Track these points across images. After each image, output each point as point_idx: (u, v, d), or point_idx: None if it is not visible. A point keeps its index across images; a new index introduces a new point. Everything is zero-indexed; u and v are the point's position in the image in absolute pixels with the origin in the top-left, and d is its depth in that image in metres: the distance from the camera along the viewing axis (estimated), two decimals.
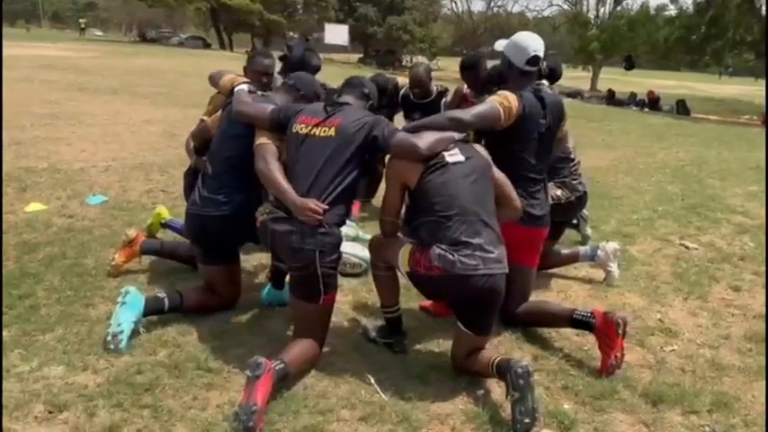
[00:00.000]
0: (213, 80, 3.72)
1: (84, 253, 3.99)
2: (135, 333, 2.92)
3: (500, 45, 3.17)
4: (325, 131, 2.78)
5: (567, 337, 3.23)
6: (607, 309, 3.57)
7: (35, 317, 3.11)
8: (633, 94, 21.99)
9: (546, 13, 57.86)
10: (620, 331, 2.83)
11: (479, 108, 2.90)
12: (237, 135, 3.06)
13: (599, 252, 4.02)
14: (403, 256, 2.71)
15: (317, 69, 4.27)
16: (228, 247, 3.21)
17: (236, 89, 3.29)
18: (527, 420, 2.39)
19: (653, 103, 20.18)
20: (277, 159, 2.84)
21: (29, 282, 3.51)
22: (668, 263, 4.54)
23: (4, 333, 2.93)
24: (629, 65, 27.87)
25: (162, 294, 3.11)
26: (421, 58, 48.20)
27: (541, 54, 3.07)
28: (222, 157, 3.10)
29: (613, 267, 4.01)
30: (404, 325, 3.08)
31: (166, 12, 57.72)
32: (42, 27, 79.36)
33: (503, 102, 2.91)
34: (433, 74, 5.00)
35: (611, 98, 22.24)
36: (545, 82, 4.31)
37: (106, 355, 2.78)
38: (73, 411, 2.39)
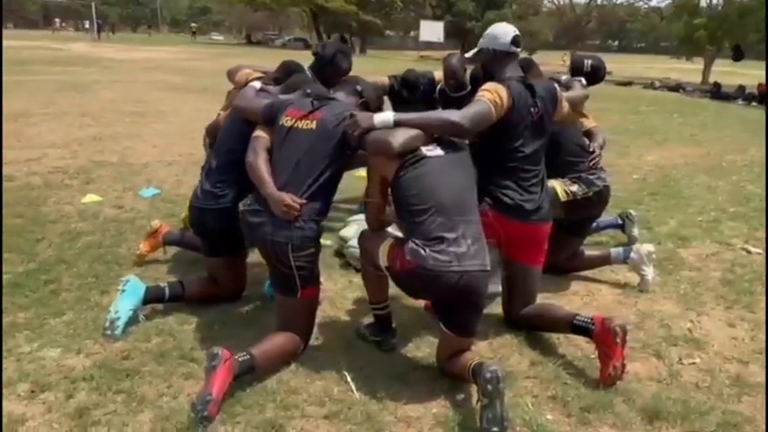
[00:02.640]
0: (230, 75, 3.80)
1: (119, 242, 4.19)
2: (134, 320, 3.03)
3: (478, 46, 3.09)
4: (307, 125, 2.76)
5: (575, 344, 3.03)
6: (636, 315, 3.37)
7: (53, 301, 3.29)
8: (741, 87, 20.36)
9: (653, 3, 54.75)
10: (618, 340, 2.62)
11: (473, 110, 2.76)
12: (240, 130, 3.09)
13: (632, 254, 3.75)
14: (383, 251, 2.64)
15: (345, 72, 4.25)
16: (231, 239, 3.25)
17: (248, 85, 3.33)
18: (495, 429, 2.26)
19: (763, 96, 18.58)
20: (267, 153, 2.85)
21: (60, 268, 3.73)
22: (720, 268, 4.17)
23: (21, 315, 3.12)
24: (738, 55, 25.84)
25: (163, 284, 3.21)
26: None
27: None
28: (224, 150, 3.15)
29: (647, 271, 3.73)
30: (398, 323, 3.01)
31: (272, 15, 59.85)
32: (161, 32, 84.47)
33: (492, 97, 2.78)
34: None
35: (716, 92, 20.70)
36: (582, 80, 4.11)
37: (102, 341, 2.90)
38: (54, 392, 2.51)
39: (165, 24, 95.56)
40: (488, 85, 2.87)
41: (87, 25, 47.33)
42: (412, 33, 44.26)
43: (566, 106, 3.20)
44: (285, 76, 3.60)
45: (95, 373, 2.63)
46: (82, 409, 2.39)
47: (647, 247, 3.74)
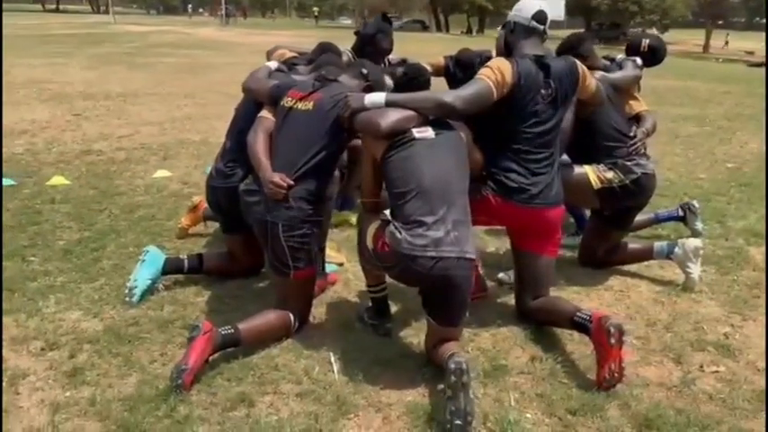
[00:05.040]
0: (268, 56, 3.88)
1: (171, 216, 4.42)
2: (153, 289, 3.19)
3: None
4: (305, 106, 2.77)
5: (586, 341, 2.82)
6: (669, 315, 3.14)
7: (91, 268, 3.54)
8: None
9: None
10: (614, 341, 2.42)
11: (469, 90, 2.65)
12: (251, 111, 3.13)
13: (676, 249, 3.45)
14: (370, 233, 2.61)
15: (386, 51, 4.21)
16: (243, 217, 3.32)
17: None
18: (458, 422, 2.17)
19: None
20: (269, 133, 2.88)
21: (109, 237, 3.99)
22: None
23: (60, 279, 3.38)
24: None
25: (183, 256, 3.36)
26: (651, 31, 44.34)
27: (548, 12, 2.76)
28: (236, 131, 3.22)
29: (693, 269, 3.41)
30: (400, 308, 2.98)
31: None
32: (290, 17, 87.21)
33: (493, 74, 2.65)
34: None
35: None
36: (638, 60, 3.80)
37: (119, 307, 3.08)
38: (60, 351, 2.70)
39: (293, 9, 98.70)
40: (492, 62, 2.74)
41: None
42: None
43: (591, 85, 2.98)
44: (318, 57, 3.61)
45: (101, 337, 2.80)
46: (77, 369, 2.56)
47: (694, 242, 3.42)
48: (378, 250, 2.51)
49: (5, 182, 5.03)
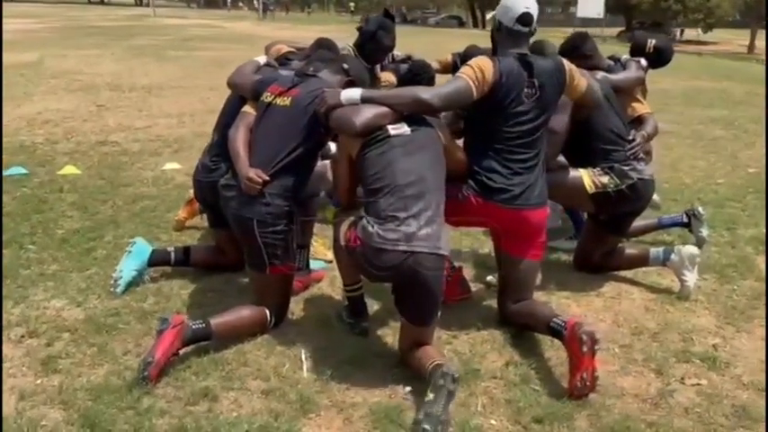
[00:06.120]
0: (266, 51, 3.86)
1: (172, 208, 4.45)
2: (139, 280, 3.22)
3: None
4: (283, 101, 2.76)
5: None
6: (658, 325, 3.06)
7: (85, 257, 3.59)
8: None
9: None
10: (586, 348, 2.36)
11: (447, 88, 2.61)
12: (237, 106, 3.13)
13: (672, 256, 3.34)
14: (343, 230, 2.59)
15: (388, 48, 4.16)
16: None
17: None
18: (427, 427, 2.10)
19: None
20: (250, 129, 2.88)
21: (108, 228, 4.05)
22: None
23: (53, 267, 3.45)
24: None
25: (170, 248, 3.38)
26: (688, 32, 43.26)
27: (534, 13, 2.69)
28: (222, 125, 3.22)
29: (689, 277, 3.30)
30: (380, 308, 2.95)
31: None
32: (328, 12, 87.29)
33: (473, 73, 2.61)
34: None
35: None
36: (643, 61, 3.71)
37: (104, 297, 3.12)
38: (39, 339, 2.74)
39: (332, 4, 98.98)
40: (473, 60, 2.69)
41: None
42: (572, 9, 42.11)
43: (581, 85, 2.90)
44: (314, 53, 3.59)
45: (81, 326, 2.84)
46: (51, 357, 2.60)
47: (691, 250, 3.31)
48: (350, 246, 2.49)
49: (18, 170, 5.16)
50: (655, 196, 4.31)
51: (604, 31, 41.19)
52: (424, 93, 2.58)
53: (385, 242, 2.35)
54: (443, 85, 2.63)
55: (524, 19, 2.73)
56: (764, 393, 2.53)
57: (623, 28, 44.89)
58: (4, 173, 5.05)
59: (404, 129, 2.53)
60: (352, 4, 59.35)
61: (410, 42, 23.46)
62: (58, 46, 15.85)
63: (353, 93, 2.59)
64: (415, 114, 2.60)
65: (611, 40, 34.11)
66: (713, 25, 44.76)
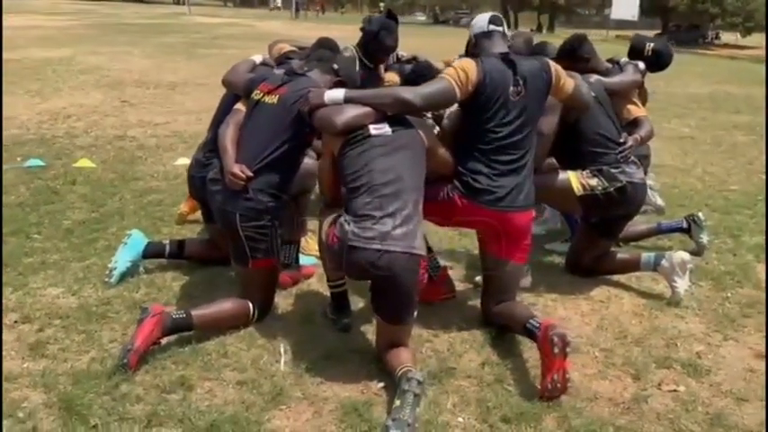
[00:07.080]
0: (269, 50, 3.93)
1: (177, 202, 4.55)
2: (133, 271, 3.31)
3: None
4: (270, 99, 2.81)
5: None
6: (644, 330, 3.04)
7: (86, 247, 3.70)
8: None
9: None
10: (557, 350, 2.36)
11: (429, 88, 2.64)
12: (231, 103, 3.19)
13: (663, 262, 3.31)
14: (324, 227, 2.63)
15: (390, 49, 4.19)
16: None
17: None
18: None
19: None
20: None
21: (113, 219, 4.17)
22: None
23: (55, 256, 3.56)
24: None
25: (165, 240, 3.47)
26: (725, 35, 42.26)
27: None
28: (216, 122, 3.29)
29: (679, 283, 3.27)
30: (365, 305, 2.98)
31: None
32: (360, 12, 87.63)
33: (456, 73, 2.64)
34: None
35: None
36: (641, 64, 3.69)
37: (99, 286, 3.21)
38: (31, 324, 2.85)
39: (365, 5, 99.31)
40: (457, 61, 2.72)
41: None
42: (606, 11, 41.58)
43: (568, 86, 2.90)
44: (314, 52, 3.65)
45: (72, 314, 2.94)
46: (41, 342, 2.70)
47: (681, 256, 3.27)
48: (329, 243, 2.53)
49: (36, 162, 5.32)
50: (659, 200, 4.31)
51: (640, 33, 40.62)
52: (407, 93, 2.61)
53: (360, 239, 2.39)
54: (425, 85, 2.65)
55: (494, 19, 2.86)
56: (740, 404, 2.50)
57: (659, 31, 44.09)
58: (23, 165, 5.22)
59: (385, 129, 2.57)
60: (382, 4, 59.42)
61: (437, 43, 23.47)
62: (92, 42, 16.21)
63: (337, 93, 2.63)
64: (399, 115, 2.63)
65: None
66: (752, 29, 43.74)
